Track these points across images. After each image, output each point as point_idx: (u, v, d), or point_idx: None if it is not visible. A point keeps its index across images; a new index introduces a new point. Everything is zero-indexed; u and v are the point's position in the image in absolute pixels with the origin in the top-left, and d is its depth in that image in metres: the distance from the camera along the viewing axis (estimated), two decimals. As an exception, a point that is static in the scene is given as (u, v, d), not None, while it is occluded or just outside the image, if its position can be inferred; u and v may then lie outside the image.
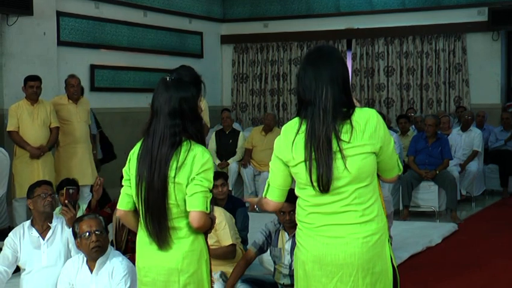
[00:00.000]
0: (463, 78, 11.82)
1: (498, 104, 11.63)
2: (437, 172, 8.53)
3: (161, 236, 3.06)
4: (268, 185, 2.98)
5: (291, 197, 4.92)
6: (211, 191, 3.05)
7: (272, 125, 9.99)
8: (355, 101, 2.88)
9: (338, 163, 2.75)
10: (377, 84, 12.42)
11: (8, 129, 7.61)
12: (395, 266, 2.94)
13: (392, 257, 2.92)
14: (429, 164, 8.63)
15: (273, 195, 2.98)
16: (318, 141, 2.74)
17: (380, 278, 2.84)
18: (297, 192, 2.91)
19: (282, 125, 11.08)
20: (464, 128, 9.92)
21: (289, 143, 2.82)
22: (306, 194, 2.85)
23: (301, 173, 2.81)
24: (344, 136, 2.75)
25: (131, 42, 10.96)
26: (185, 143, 3.03)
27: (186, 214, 3.04)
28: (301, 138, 2.79)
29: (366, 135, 2.77)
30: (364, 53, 12.47)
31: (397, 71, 12.28)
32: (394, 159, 2.92)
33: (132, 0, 10.95)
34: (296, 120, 2.86)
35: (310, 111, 2.78)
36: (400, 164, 2.99)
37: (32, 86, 7.59)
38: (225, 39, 13.32)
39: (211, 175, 3.05)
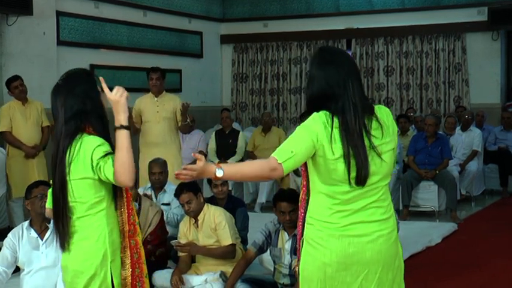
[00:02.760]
0: (463, 78, 11.82)
1: (498, 104, 11.63)
2: (437, 172, 8.52)
3: (63, 238, 3.06)
4: (293, 154, 2.76)
5: (291, 197, 4.91)
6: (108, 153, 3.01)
7: (270, 123, 10.03)
8: None
9: (375, 159, 2.78)
10: (377, 84, 12.42)
11: (0, 130, 7.57)
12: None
13: None
14: (429, 163, 8.62)
15: (288, 165, 2.78)
16: (352, 135, 2.76)
17: (397, 272, 2.91)
18: (322, 189, 2.84)
19: (280, 125, 10.96)
20: (464, 128, 9.91)
21: (328, 135, 2.78)
22: (336, 191, 2.81)
23: (339, 169, 2.78)
24: (376, 132, 2.81)
25: (131, 42, 10.96)
26: (78, 136, 3.03)
27: (93, 212, 3.03)
28: (337, 133, 2.78)
29: (390, 130, 2.86)
30: (364, 53, 12.46)
31: (396, 70, 12.27)
32: (395, 155, 3.00)
33: (131, 0, 10.94)
34: (327, 114, 2.81)
35: (341, 105, 2.79)
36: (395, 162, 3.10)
37: (16, 86, 7.58)
38: (225, 39, 13.31)
39: (102, 148, 2.99)
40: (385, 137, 2.82)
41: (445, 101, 11.99)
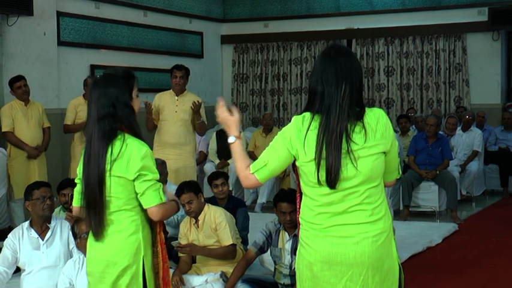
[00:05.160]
0: (463, 78, 11.82)
1: (498, 104, 11.64)
2: (438, 172, 8.52)
3: (98, 229, 3.13)
4: (264, 164, 2.91)
5: (291, 197, 4.92)
6: (159, 179, 3.19)
7: (271, 124, 10.06)
8: None
9: (350, 164, 2.77)
10: (377, 84, 12.42)
11: (3, 130, 7.55)
12: (400, 264, 2.98)
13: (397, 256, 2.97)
14: (429, 164, 8.62)
15: (262, 175, 2.92)
16: (330, 135, 2.75)
17: (388, 276, 2.88)
18: (305, 191, 2.88)
19: (281, 126, 11.02)
20: (465, 128, 9.91)
21: (301, 138, 2.81)
22: (315, 193, 2.83)
23: (312, 171, 2.80)
24: (357, 137, 2.78)
25: (131, 42, 10.96)
26: (120, 136, 3.11)
27: (128, 207, 3.14)
28: (313, 135, 2.79)
29: (378, 134, 2.82)
30: (365, 53, 12.46)
31: (397, 71, 12.27)
32: (396, 161, 2.98)
33: (132, 0, 10.95)
34: (308, 115, 2.84)
35: (327, 105, 2.79)
36: (399, 168, 3.05)
37: (20, 87, 7.57)
38: (225, 39, 13.32)
39: (153, 166, 3.15)
40: (368, 141, 2.79)
41: (445, 102, 11.99)
